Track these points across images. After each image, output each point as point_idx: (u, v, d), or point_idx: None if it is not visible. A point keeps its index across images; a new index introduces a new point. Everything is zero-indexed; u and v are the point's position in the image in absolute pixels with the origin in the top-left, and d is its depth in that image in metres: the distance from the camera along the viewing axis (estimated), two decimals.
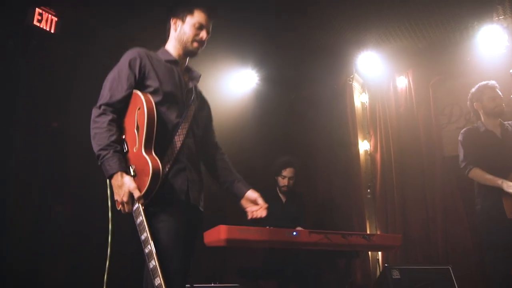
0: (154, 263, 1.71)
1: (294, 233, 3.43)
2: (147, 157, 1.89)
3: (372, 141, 5.42)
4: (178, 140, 2.03)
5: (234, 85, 5.25)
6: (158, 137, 1.94)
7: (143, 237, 1.77)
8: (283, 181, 4.18)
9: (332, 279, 4.47)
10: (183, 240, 1.95)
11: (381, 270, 4.54)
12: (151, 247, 1.73)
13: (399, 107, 5.32)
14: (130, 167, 1.91)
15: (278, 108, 5.35)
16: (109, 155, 1.87)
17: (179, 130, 2.05)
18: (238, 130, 4.85)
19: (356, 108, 5.50)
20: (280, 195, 4.27)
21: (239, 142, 4.85)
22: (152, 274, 1.71)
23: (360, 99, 5.64)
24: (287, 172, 4.17)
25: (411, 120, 5.21)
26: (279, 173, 4.18)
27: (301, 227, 4.07)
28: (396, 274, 3.98)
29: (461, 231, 4.65)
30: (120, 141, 1.96)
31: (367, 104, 5.57)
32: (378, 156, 5.31)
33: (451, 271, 4.02)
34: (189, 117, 2.12)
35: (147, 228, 1.77)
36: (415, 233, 4.86)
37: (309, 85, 5.37)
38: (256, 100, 5.29)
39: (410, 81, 5.33)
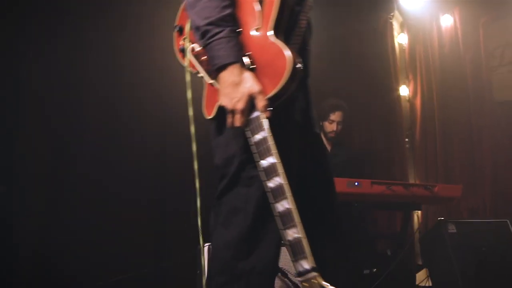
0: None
1: (356, 183, 3.05)
2: (279, 44, 1.30)
3: (411, 86, 4.97)
4: (299, 33, 1.44)
5: None
6: (288, 22, 1.37)
7: (265, 163, 1.23)
8: (330, 126, 3.75)
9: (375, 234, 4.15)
10: None
11: (421, 224, 4.21)
12: (280, 178, 1.20)
13: (443, 48, 4.84)
14: (245, 57, 1.32)
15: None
16: (222, 34, 1.29)
17: (300, 21, 1.45)
18: None
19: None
20: (326, 142, 3.84)
21: None
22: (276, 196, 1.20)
23: (397, 40, 5.12)
24: (335, 116, 3.73)
25: (457, 62, 4.74)
26: (326, 117, 3.74)
27: None
28: (452, 228, 3.66)
29: None
30: (234, 18, 1.35)
31: (405, 45, 5.06)
32: (418, 102, 4.88)
33: (509, 224, 3.73)
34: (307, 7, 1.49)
35: (273, 149, 1.22)
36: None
37: (346, 23, 4.83)
38: None
39: (457, 19, 4.84)
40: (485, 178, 4.41)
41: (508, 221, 3.71)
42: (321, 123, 3.82)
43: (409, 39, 5.05)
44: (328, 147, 3.84)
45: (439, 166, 4.59)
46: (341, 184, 2.95)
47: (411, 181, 4.70)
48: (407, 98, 4.96)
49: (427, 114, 4.78)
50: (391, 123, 4.79)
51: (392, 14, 4.92)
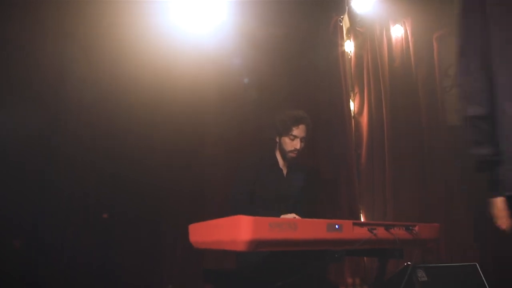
0: None
1: (337, 226, 2.29)
2: None
3: (357, 101, 4.35)
4: None
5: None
6: None
7: None
8: (292, 144, 2.95)
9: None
10: None
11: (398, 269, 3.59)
12: None
13: (393, 61, 4.32)
14: None
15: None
16: None
17: None
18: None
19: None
20: (281, 163, 3.03)
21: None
22: None
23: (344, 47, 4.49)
24: (299, 131, 2.94)
25: (409, 78, 4.25)
26: (287, 132, 2.93)
27: (297, 214, 2.95)
28: (422, 276, 3.07)
29: (467, 219, 3.87)
30: None
31: (351, 54, 4.45)
32: (364, 120, 4.28)
33: (478, 268, 3.26)
34: None
35: None
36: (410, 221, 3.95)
37: (290, 21, 4.08)
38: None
39: (408, 31, 4.35)
40: (439, 214, 3.92)
41: (477, 264, 3.25)
42: (277, 140, 3.00)
43: (355, 47, 4.44)
44: (284, 170, 3.04)
45: (388, 200, 4.01)
46: (320, 228, 2.16)
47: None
48: (352, 115, 4.33)
49: (375, 135, 4.19)
50: (341, 144, 4.12)
51: (342, 16, 4.29)
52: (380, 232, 2.50)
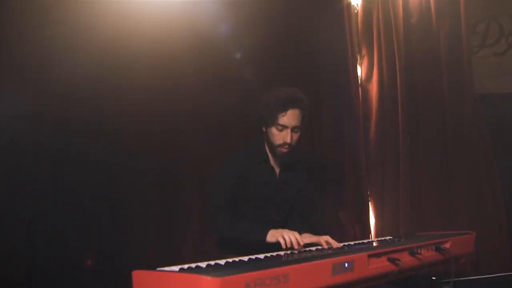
0: None
1: (346, 264, 1.65)
2: None
3: (365, 65, 3.62)
4: None
5: None
6: None
7: None
8: (280, 136, 2.23)
9: None
10: None
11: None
12: None
13: (410, 16, 3.55)
14: None
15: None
16: None
17: None
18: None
19: None
20: (273, 161, 2.35)
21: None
22: None
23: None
24: (288, 118, 2.20)
25: (428, 38, 3.49)
26: (273, 120, 2.22)
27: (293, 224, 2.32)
28: None
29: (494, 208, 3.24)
30: None
31: (358, 7, 3.67)
32: (373, 88, 3.56)
33: None
34: None
35: None
36: (427, 210, 3.32)
37: None
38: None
39: None
40: (461, 200, 3.28)
41: None
42: (263, 129, 2.31)
43: (364, 0, 3.66)
44: (276, 169, 2.37)
45: (400, 185, 3.35)
46: (324, 272, 1.53)
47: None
48: (359, 82, 3.61)
49: (387, 106, 3.49)
50: (343, 119, 3.43)
51: None
52: (404, 259, 1.88)
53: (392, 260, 1.78)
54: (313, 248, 2.05)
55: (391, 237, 2.47)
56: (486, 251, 3.09)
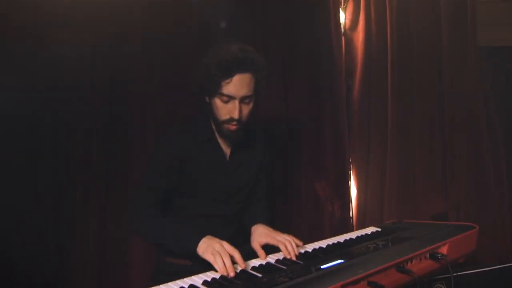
0: None
1: None
2: None
3: (349, 10, 3.04)
4: None
5: None
6: None
7: None
8: (225, 109, 1.70)
9: None
10: None
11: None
12: None
13: None
14: None
15: None
16: None
17: None
18: None
19: None
20: (221, 140, 1.83)
21: None
22: None
23: None
24: (235, 86, 1.65)
25: None
26: (215, 88, 1.68)
27: (261, 218, 1.90)
28: None
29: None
30: None
31: None
32: (359, 37, 3.00)
33: None
34: None
35: None
36: (418, 183, 2.87)
37: None
38: None
39: None
40: (458, 175, 2.83)
41: None
42: (207, 100, 1.77)
43: None
44: (226, 149, 1.86)
45: (389, 156, 2.87)
46: None
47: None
48: (342, 31, 3.04)
49: (374, 59, 2.96)
50: (322, 75, 2.90)
51: None
52: (390, 278, 1.43)
53: (375, 286, 1.33)
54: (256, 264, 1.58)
55: (374, 230, 2.03)
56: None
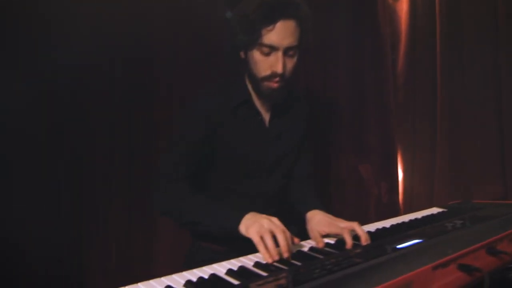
0: None
1: None
2: None
3: None
4: None
5: None
6: None
7: None
8: (266, 63, 1.46)
9: None
10: None
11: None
12: None
13: None
14: None
15: None
16: None
17: None
18: None
19: None
20: (259, 102, 1.61)
21: None
22: None
23: None
24: (278, 34, 1.42)
25: None
26: (254, 39, 1.44)
27: (316, 202, 1.65)
28: None
29: None
30: None
31: None
32: (403, 8, 2.77)
33: None
34: None
35: None
36: (471, 167, 2.62)
37: None
38: None
39: None
40: None
41: None
42: (242, 56, 1.55)
43: None
44: (265, 114, 1.63)
45: (438, 131, 2.63)
46: None
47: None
48: None
49: (420, 28, 2.71)
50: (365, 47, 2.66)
51: None
52: (481, 261, 1.20)
53: (467, 269, 1.10)
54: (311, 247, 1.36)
55: (440, 210, 1.80)
56: None
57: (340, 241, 1.37)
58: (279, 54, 1.43)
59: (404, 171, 2.69)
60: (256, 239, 1.24)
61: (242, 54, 1.53)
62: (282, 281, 0.99)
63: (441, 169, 2.59)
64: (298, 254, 1.26)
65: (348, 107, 2.61)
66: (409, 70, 2.72)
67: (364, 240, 1.34)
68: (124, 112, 2.17)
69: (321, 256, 1.21)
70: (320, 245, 1.35)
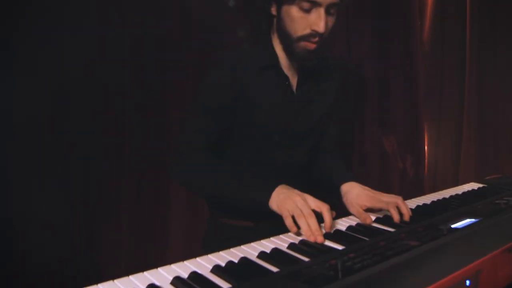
0: None
1: (468, 282, 0.81)
2: None
3: None
4: None
5: None
6: None
7: None
8: (306, 21, 1.28)
9: None
10: None
11: None
12: None
13: None
14: None
15: None
16: None
17: None
18: None
19: None
20: (286, 65, 1.45)
21: None
22: None
23: None
24: None
25: None
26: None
27: (351, 174, 1.48)
28: None
29: None
30: None
31: None
32: None
33: None
34: None
35: None
36: (502, 142, 2.50)
37: None
38: None
39: None
40: None
41: None
42: (273, 12, 1.37)
43: None
44: (293, 78, 1.47)
45: (466, 104, 2.50)
46: None
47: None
48: None
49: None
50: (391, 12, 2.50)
51: None
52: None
53: None
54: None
55: (480, 186, 1.68)
56: None
57: (387, 218, 1.25)
58: (321, 11, 1.26)
59: (429, 145, 2.57)
60: (288, 222, 1.14)
61: (273, 10, 1.36)
62: (328, 270, 0.86)
63: (468, 143, 2.47)
64: (338, 235, 1.14)
65: (373, 76, 2.46)
66: (436, 37, 2.57)
67: (408, 219, 1.23)
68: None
69: (366, 238, 1.10)
70: (368, 221, 1.24)
